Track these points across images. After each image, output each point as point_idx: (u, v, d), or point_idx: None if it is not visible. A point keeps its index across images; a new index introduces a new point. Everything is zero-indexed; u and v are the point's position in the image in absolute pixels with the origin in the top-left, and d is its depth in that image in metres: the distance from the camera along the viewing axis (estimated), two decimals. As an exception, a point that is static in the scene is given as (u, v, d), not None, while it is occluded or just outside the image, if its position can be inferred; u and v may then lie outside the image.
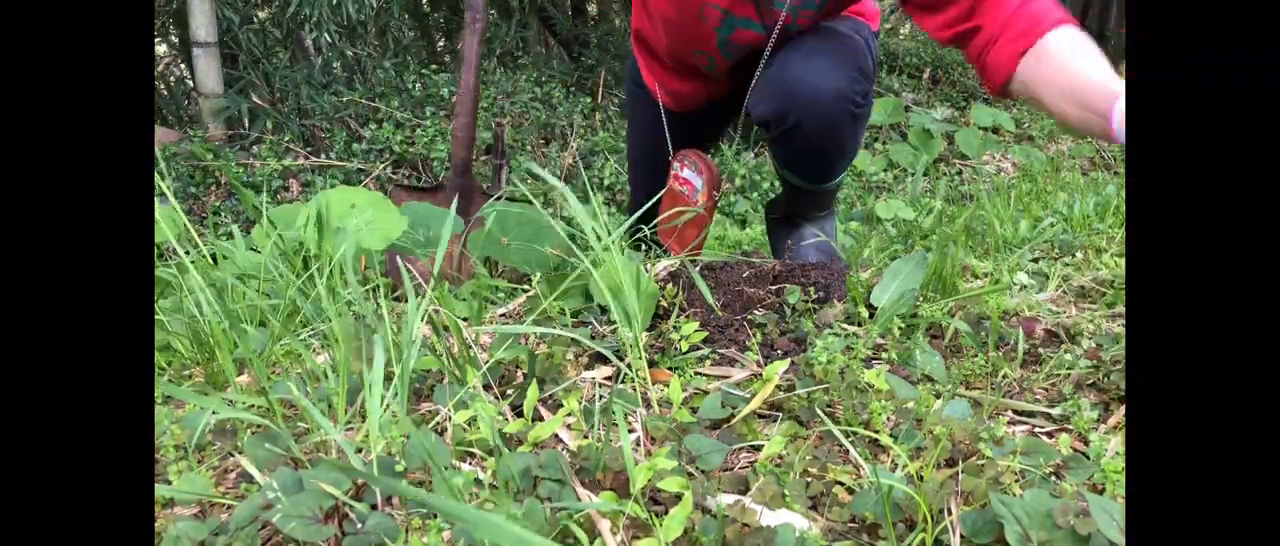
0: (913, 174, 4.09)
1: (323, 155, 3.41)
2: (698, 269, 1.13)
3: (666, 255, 1.44)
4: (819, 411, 0.83)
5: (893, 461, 0.77)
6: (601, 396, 0.85)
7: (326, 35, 3.53)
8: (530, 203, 1.63)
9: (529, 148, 3.80)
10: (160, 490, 0.69)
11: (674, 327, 1.00)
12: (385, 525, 0.64)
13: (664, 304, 1.11)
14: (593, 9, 5.48)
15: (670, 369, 0.95)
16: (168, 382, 0.98)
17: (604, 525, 0.66)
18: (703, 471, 0.74)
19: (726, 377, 0.93)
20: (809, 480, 0.72)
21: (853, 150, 1.49)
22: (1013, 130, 5.02)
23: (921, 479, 0.70)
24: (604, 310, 1.10)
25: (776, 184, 3.53)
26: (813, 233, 1.64)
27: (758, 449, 0.80)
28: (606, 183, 3.65)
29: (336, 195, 1.49)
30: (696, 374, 0.95)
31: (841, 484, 0.73)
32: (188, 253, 1.07)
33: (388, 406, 0.77)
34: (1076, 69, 0.98)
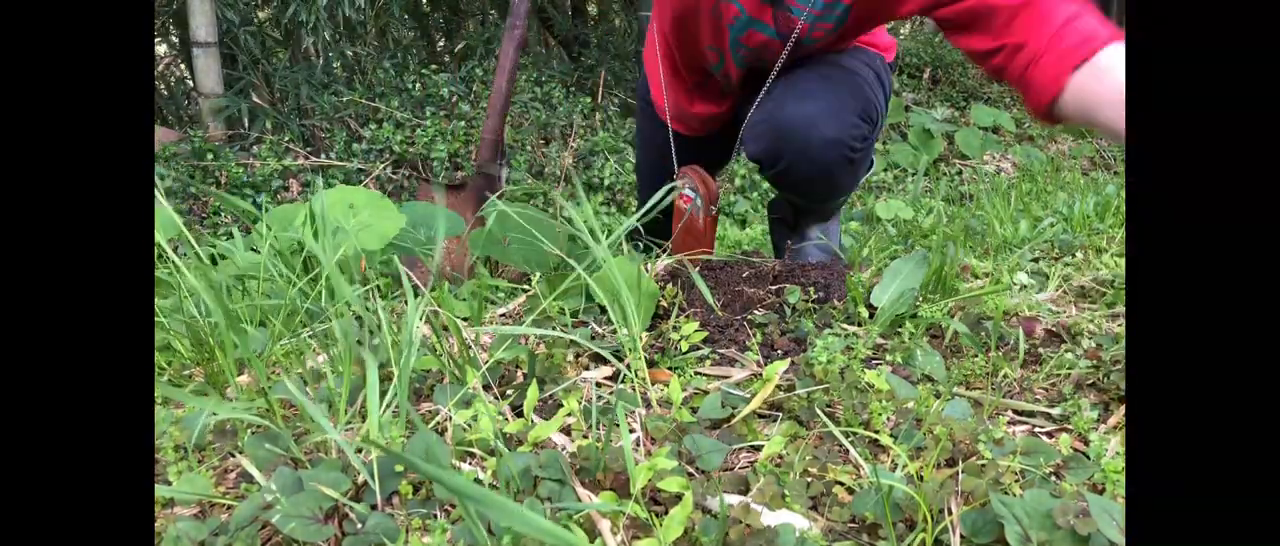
0: (913, 174, 4.09)
1: (323, 155, 3.41)
2: (697, 269, 1.13)
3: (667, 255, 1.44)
4: (819, 411, 0.83)
5: (893, 461, 0.77)
6: (601, 396, 0.85)
7: (325, 36, 3.53)
8: (533, 196, 1.63)
9: (529, 147, 3.80)
10: (160, 490, 0.69)
11: (674, 327, 1.01)
12: (385, 525, 0.64)
13: (664, 304, 1.11)
14: (593, 9, 5.49)
15: (670, 369, 0.95)
16: (168, 383, 0.98)
17: (604, 525, 0.66)
18: (703, 471, 0.74)
19: (726, 377, 0.93)
20: (809, 480, 0.72)
21: (852, 186, 1.46)
22: (1013, 130, 5.02)
23: (921, 479, 0.70)
24: (604, 310, 1.10)
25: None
26: (815, 233, 1.64)
27: (758, 449, 0.80)
28: (606, 183, 3.65)
29: (334, 195, 1.49)
30: (696, 374, 0.95)
31: (842, 484, 0.73)
32: (183, 253, 1.06)
33: (388, 406, 0.77)
34: None
